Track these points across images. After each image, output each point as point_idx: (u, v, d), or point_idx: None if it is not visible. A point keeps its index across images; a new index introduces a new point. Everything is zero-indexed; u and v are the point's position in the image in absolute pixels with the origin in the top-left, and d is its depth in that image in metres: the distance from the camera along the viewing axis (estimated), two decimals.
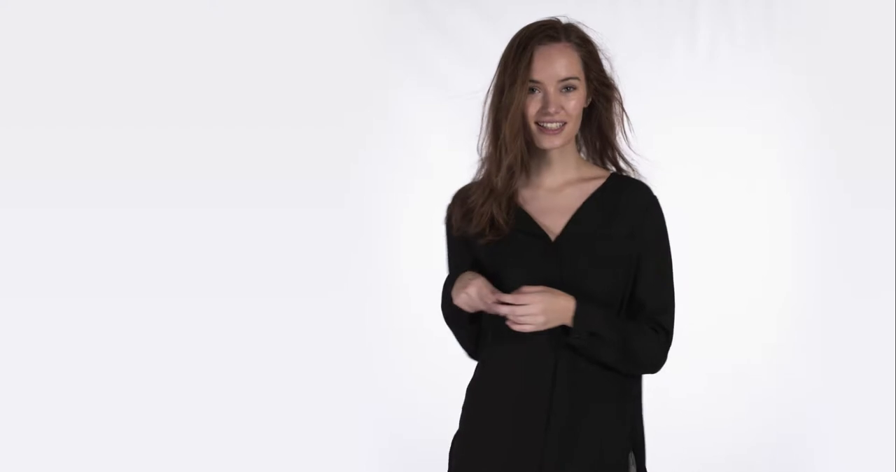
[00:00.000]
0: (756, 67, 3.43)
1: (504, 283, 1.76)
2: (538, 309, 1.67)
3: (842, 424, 3.37)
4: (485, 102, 1.83)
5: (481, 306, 1.74)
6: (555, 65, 1.73)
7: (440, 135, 3.50)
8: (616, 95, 1.82)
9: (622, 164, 1.86)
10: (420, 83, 3.52)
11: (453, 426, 1.85)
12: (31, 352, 3.22)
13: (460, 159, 3.51)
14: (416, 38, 3.51)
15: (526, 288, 1.70)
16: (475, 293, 1.74)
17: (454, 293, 1.79)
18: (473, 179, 1.89)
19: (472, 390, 1.88)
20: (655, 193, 1.84)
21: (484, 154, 1.84)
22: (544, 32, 1.75)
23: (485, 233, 1.79)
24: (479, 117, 3.53)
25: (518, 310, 1.67)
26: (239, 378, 3.33)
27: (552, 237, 1.78)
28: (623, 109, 1.84)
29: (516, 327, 1.69)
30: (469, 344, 1.91)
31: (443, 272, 3.54)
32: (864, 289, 3.35)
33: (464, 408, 1.90)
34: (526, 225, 1.79)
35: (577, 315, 1.70)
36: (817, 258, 3.43)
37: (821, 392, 3.41)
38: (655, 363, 1.80)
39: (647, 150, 1.91)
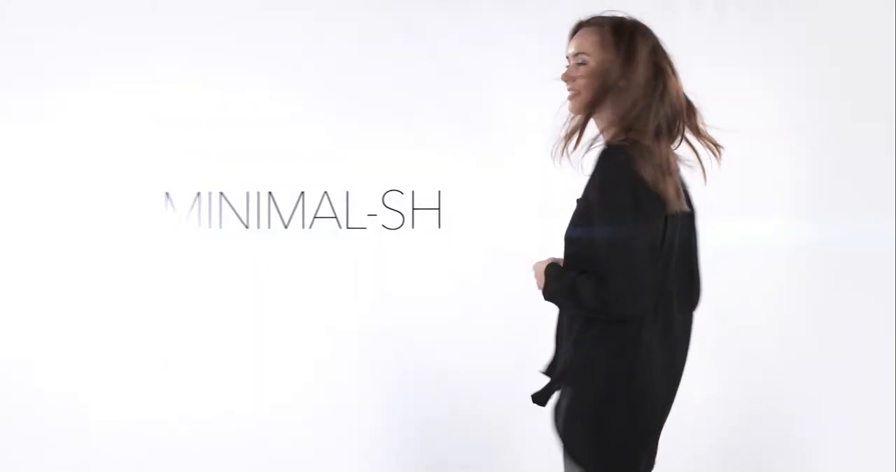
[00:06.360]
0: (755, 67, 3.43)
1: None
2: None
3: (842, 423, 3.37)
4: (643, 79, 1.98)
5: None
6: None
7: (441, 134, 3.49)
8: None
9: None
10: (421, 83, 3.51)
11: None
12: (31, 352, 3.23)
13: (460, 159, 3.53)
14: (417, 37, 3.51)
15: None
16: None
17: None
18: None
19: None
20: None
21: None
22: None
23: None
24: (479, 113, 3.43)
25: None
26: (238, 378, 3.34)
27: None
28: None
29: None
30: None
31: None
32: (865, 288, 3.35)
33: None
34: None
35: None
36: (817, 258, 3.43)
37: (820, 391, 3.41)
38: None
39: None
